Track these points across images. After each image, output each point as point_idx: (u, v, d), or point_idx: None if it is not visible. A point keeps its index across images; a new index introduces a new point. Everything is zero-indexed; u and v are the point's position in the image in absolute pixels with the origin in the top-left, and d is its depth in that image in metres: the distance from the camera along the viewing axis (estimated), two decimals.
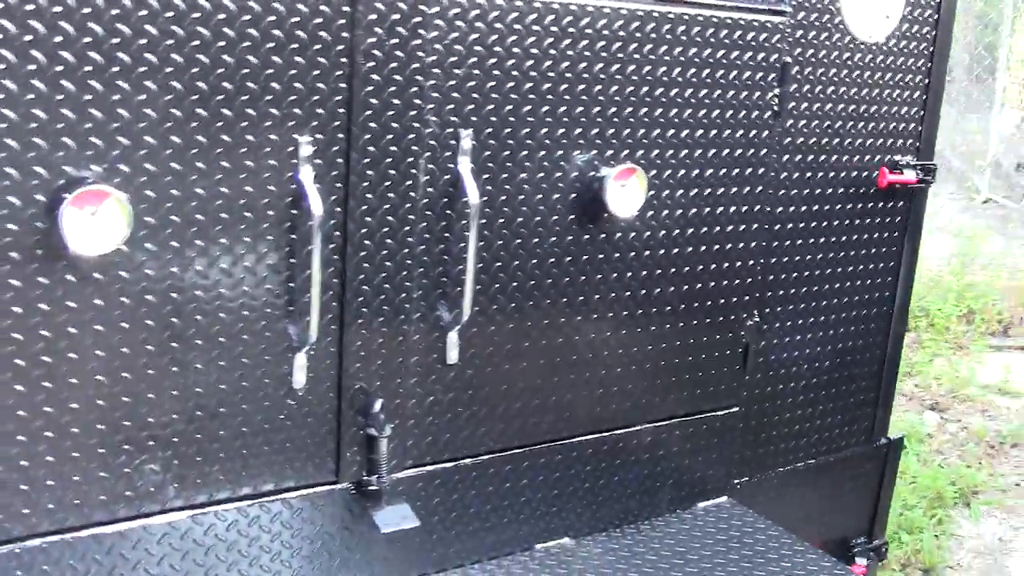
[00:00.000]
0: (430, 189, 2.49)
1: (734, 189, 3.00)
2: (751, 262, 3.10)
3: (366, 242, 2.42)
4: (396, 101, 2.38)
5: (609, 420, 2.96)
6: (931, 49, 3.37)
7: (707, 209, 2.96)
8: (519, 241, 2.65)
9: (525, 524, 2.87)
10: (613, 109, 2.70)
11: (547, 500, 2.89)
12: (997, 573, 4.32)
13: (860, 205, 3.34)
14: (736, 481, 3.29)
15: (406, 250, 2.48)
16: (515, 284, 2.66)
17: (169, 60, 2.08)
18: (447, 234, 2.54)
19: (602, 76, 2.65)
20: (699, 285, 3.01)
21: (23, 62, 1.93)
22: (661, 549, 2.96)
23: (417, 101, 2.41)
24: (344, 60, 2.30)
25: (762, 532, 3.10)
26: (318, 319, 2.32)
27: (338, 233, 2.39)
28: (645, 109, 2.75)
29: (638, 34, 2.68)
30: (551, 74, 2.58)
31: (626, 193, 2.71)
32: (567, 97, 2.62)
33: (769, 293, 3.19)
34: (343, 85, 2.31)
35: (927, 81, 3.39)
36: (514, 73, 2.53)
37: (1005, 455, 5.35)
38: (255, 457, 2.39)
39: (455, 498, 2.73)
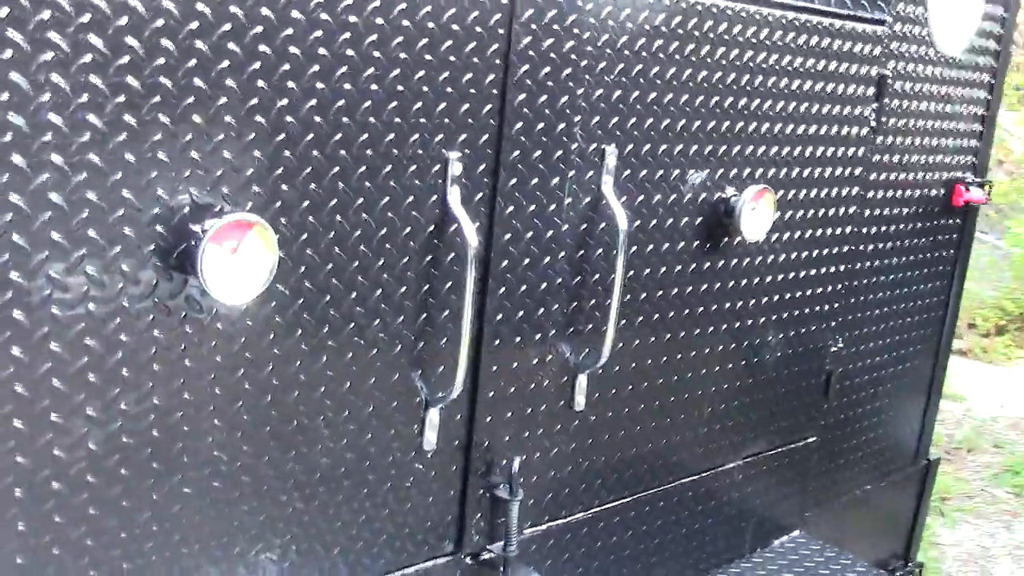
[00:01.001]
0: (572, 213, 2.13)
1: (832, 210, 2.76)
2: (839, 285, 2.87)
3: (508, 276, 2.06)
4: (547, 111, 2.02)
5: (709, 460, 2.69)
6: (994, 65, 3.23)
7: (820, 231, 2.71)
8: (648, 271, 2.33)
9: None
10: (741, 124, 2.41)
11: (648, 550, 2.60)
12: None
13: (931, 223, 3.19)
14: (808, 513, 3.08)
15: (545, 284, 2.12)
16: (641, 318, 2.34)
17: (310, 62, 1.67)
18: (585, 264, 2.20)
19: (733, 86, 2.35)
20: (794, 312, 2.76)
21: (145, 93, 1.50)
22: None
23: (567, 111, 2.05)
24: (498, 62, 1.91)
25: (837, 562, 2.90)
26: (466, 367, 1.93)
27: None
28: (768, 124, 2.48)
29: (768, 41, 2.40)
30: (688, 82, 2.26)
31: (757, 215, 2.43)
32: (702, 110, 2.31)
33: (851, 317, 2.98)
34: (495, 91, 1.93)
35: (989, 97, 3.25)
36: (657, 81, 2.20)
37: (963, 460, 5.39)
38: (376, 534, 1.99)
39: (567, 557, 2.39)
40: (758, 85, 2.41)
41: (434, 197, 1.89)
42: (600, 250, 2.21)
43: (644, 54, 2.16)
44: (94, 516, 1.58)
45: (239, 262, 1.58)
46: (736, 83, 2.36)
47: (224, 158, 1.59)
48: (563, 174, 2.08)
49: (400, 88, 1.78)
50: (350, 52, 1.70)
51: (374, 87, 1.74)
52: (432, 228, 1.90)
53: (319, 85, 1.68)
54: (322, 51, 1.67)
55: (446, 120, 1.87)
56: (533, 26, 1.95)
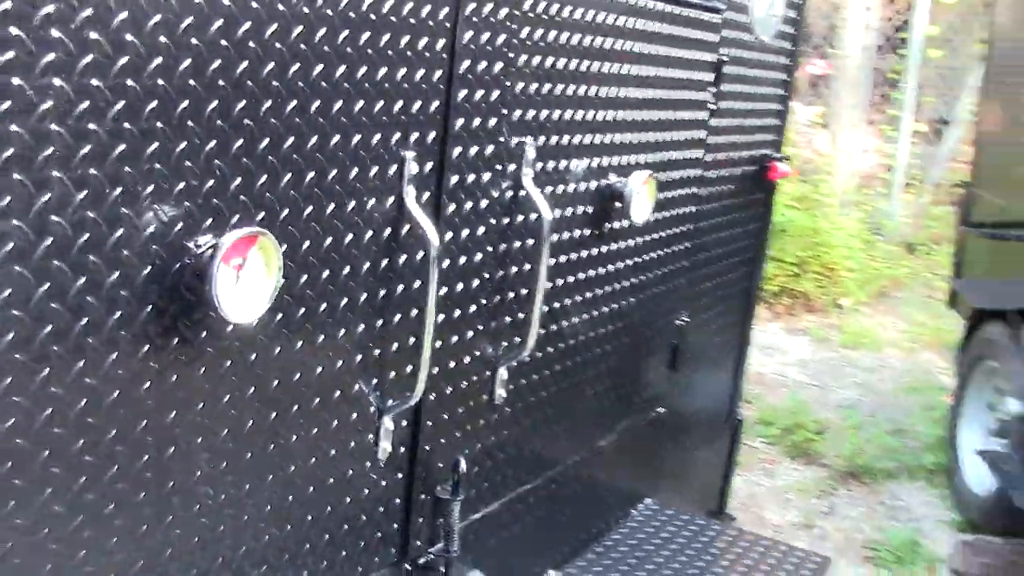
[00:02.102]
0: (497, 208, 2.16)
1: (679, 191, 2.96)
2: (685, 262, 3.09)
3: (450, 275, 2.05)
4: (484, 106, 2.03)
5: (590, 440, 2.82)
6: (793, 48, 3.57)
7: (671, 212, 2.90)
8: (552, 261, 2.40)
9: (524, 564, 2.65)
10: (624, 114, 2.53)
11: (542, 534, 2.69)
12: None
13: (750, 198, 3.48)
14: (657, 480, 3.31)
15: (477, 280, 2.14)
16: (546, 308, 2.42)
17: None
18: (507, 258, 2.23)
19: (610, 75, 2.46)
20: (652, 290, 2.95)
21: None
22: (635, 564, 2.89)
23: (500, 107, 2.07)
24: (445, 56, 1.90)
25: (691, 523, 3.15)
26: (427, 372, 1.92)
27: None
28: (636, 113, 2.61)
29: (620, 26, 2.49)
30: (589, 73, 2.34)
31: (642, 200, 2.57)
32: (600, 98, 2.41)
33: (692, 291, 3.22)
34: (442, 87, 1.92)
35: (788, 80, 3.59)
36: (565, 73, 2.27)
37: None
38: (335, 547, 1.94)
39: (488, 547, 2.44)
40: (623, 74, 2.54)
41: (391, 198, 1.85)
42: (518, 243, 2.25)
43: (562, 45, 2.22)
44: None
45: (246, 278, 1.49)
46: (601, 71, 2.46)
47: (187, 166, 1.47)
48: (494, 170, 2.11)
49: (356, 84, 1.73)
50: (303, 46, 1.62)
51: (325, 84, 1.67)
52: (388, 231, 1.87)
53: (274, 83, 1.58)
54: (278, 45, 1.57)
55: (402, 117, 1.83)
56: (475, 19, 1.95)
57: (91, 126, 1.30)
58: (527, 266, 2.28)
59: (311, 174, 1.66)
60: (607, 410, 2.85)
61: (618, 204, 2.54)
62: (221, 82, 1.47)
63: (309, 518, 1.84)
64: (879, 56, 8.72)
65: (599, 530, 2.98)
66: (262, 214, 1.58)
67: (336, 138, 1.69)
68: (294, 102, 1.60)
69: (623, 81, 2.50)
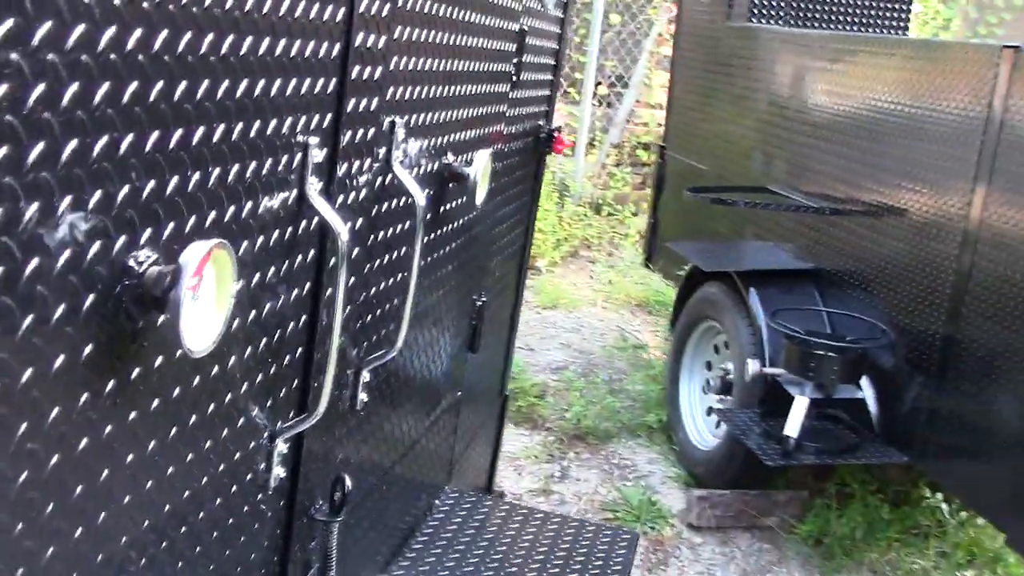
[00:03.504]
0: (367, 194, 2.03)
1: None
2: (484, 239, 3.09)
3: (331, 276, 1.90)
4: (373, 85, 1.89)
5: (410, 432, 2.76)
6: (563, 17, 3.65)
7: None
8: (404, 249, 2.30)
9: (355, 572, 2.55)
10: (455, 88, 2.47)
11: (366, 539, 2.60)
12: None
13: (531, 170, 3.53)
14: (453, 465, 3.30)
15: (351, 278, 2.01)
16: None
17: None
18: (372, 249, 2.11)
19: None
20: (463, 271, 2.92)
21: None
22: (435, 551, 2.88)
23: (378, 84, 1.94)
24: (343, 28, 1.75)
25: (482, 504, 3.20)
26: (333, 382, 1.78)
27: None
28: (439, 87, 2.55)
29: None
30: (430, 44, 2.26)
31: (483, 181, 2.53)
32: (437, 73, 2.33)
33: (486, 268, 3.22)
34: (338, 64, 1.76)
35: (558, 50, 3.67)
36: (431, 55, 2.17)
37: None
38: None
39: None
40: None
41: (291, 192, 1.68)
42: (384, 232, 2.13)
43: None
44: None
45: (203, 300, 1.29)
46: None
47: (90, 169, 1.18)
48: (372, 155, 1.97)
49: (251, 63, 1.53)
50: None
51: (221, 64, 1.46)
52: (288, 229, 1.70)
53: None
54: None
55: (302, 98, 1.66)
56: None
57: None
58: (396, 256, 2.17)
59: (213, 170, 1.43)
60: (426, 400, 2.80)
61: (456, 185, 2.48)
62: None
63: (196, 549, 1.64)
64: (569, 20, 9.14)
65: (412, 526, 2.93)
66: (174, 221, 1.35)
67: (238, 126, 1.47)
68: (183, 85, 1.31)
69: (448, 52, 2.42)
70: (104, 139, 1.15)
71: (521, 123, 3.27)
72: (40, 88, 1.04)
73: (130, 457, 1.35)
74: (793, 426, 4.21)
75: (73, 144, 1.10)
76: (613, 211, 9.50)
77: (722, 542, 4.70)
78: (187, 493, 1.53)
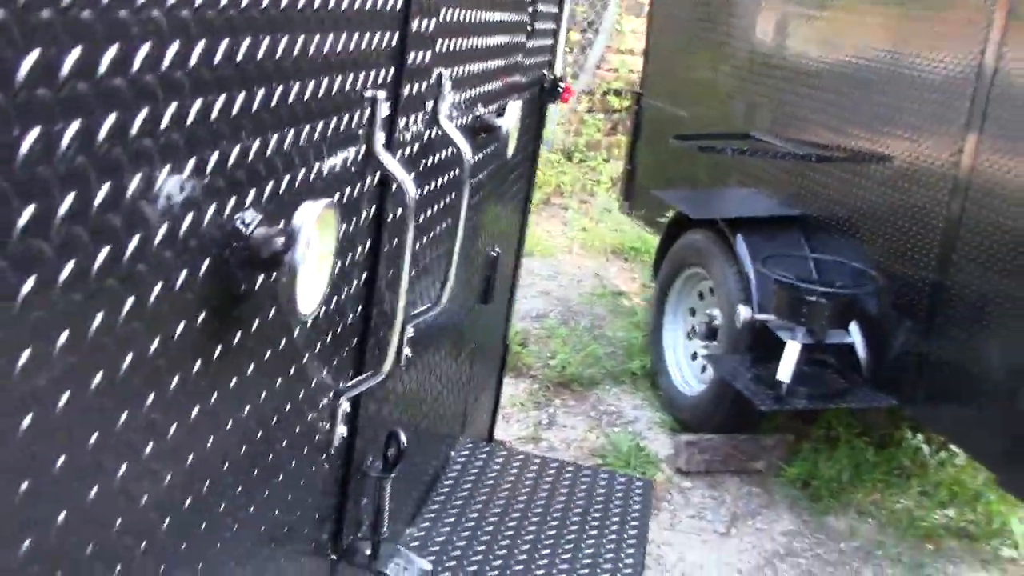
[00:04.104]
0: (422, 150, 2.01)
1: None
2: (500, 190, 3.08)
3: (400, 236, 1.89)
4: (434, 37, 1.86)
5: (449, 385, 2.76)
6: None
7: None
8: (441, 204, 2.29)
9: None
10: (488, 40, 2.44)
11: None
12: None
13: (534, 120, 3.51)
14: (464, 417, 3.32)
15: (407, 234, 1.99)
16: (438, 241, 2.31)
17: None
18: (431, 205, 2.09)
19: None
20: (481, 226, 2.91)
21: None
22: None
23: (432, 38, 1.91)
24: None
25: (494, 454, 3.22)
26: (398, 341, 1.77)
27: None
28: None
29: None
30: None
31: (514, 133, 2.51)
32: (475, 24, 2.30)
33: (501, 218, 3.22)
34: (402, 16, 1.73)
35: (562, 1, 3.63)
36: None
37: None
38: (281, 542, 1.74)
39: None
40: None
41: (360, 148, 1.65)
42: (426, 187, 2.11)
43: None
44: None
45: (310, 262, 1.26)
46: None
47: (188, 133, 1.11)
48: (424, 109, 1.95)
49: (321, 17, 1.49)
50: None
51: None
52: (357, 186, 1.67)
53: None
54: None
55: (369, 52, 1.63)
56: None
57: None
58: (438, 211, 2.15)
59: (290, 130, 1.38)
60: (449, 353, 2.80)
61: (485, 136, 2.46)
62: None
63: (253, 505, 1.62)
64: None
65: (433, 478, 2.95)
66: (272, 182, 1.33)
67: (311, 84, 1.43)
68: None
69: (484, 3, 2.39)
70: (198, 102, 1.10)
71: (532, 73, 3.24)
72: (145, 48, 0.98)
73: (228, 422, 1.34)
74: (785, 371, 4.27)
75: (172, 109, 1.05)
76: (585, 158, 9.48)
77: (711, 486, 4.78)
78: (264, 452, 1.52)
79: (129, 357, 1.05)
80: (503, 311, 3.82)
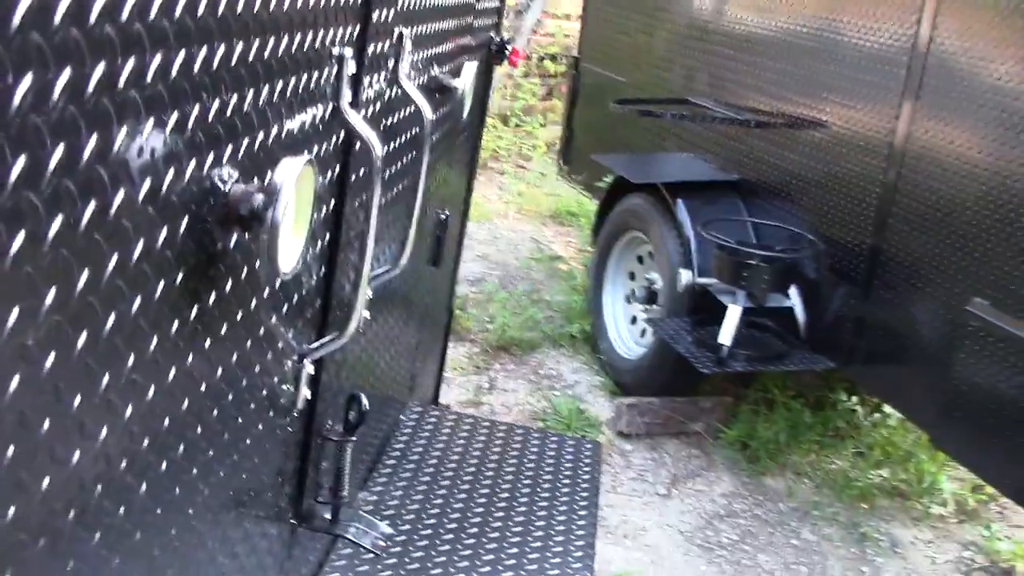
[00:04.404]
0: (382, 110, 1.97)
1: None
2: (449, 152, 3.05)
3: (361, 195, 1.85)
4: None
5: (397, 347, 2.74)
6: None
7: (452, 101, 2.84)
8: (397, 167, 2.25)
9: None
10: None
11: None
12: None
13: (482, 83, 3.48)
14: (411, 381, 3.30)
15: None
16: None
17: None
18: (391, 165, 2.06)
19: None
20: (436, 185, 2.88)
21: None
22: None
23: None
24: None
25: (468, 424, 3.22)
26: (362, 305, 1.74)
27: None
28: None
29: None
30: None
31: (469, 93, 2.48)
32: None
33: (448, 180, 3.19)
34: None
35: None
36: None
37: None
38: (245, 507, 1.71)
39: None
40: None
41: (327, 106, 1.62)
42: (386, 147, 2.08)
43: None
44: None
45: (288, 219, 1.23)
46: None
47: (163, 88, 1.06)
48: (387, 68, 1.91)
49: None
50: None
51: None
52: (320, 146, 1.64)
53: None
54: None
55: (335, 9, 1.59)
56: None
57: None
58: (397, 171, 2.12)
59: (263, 87, 1.35)
60: (400, 316, 2.78)
61: (440, 97, 2.43)
62: None
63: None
64: None
65: (383, 442, 2.93)
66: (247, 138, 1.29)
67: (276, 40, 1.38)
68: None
69: None
70: (181, 55, 1.06)
71: (481, 35, 3.20)
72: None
73: (201, 384, 1.31)
74: (727, 335, 4.33)
75: (139, 61, 1.00)
76: (521, 123, 9.45)
77: (651, 448, 4.83)
78: (230, 415, 1.49)
79: (112, 317, 1.01)
80: (449, 274, 3.80)
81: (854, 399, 5.01)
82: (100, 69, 0.90)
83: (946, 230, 3.72)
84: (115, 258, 0.99)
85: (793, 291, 4.47)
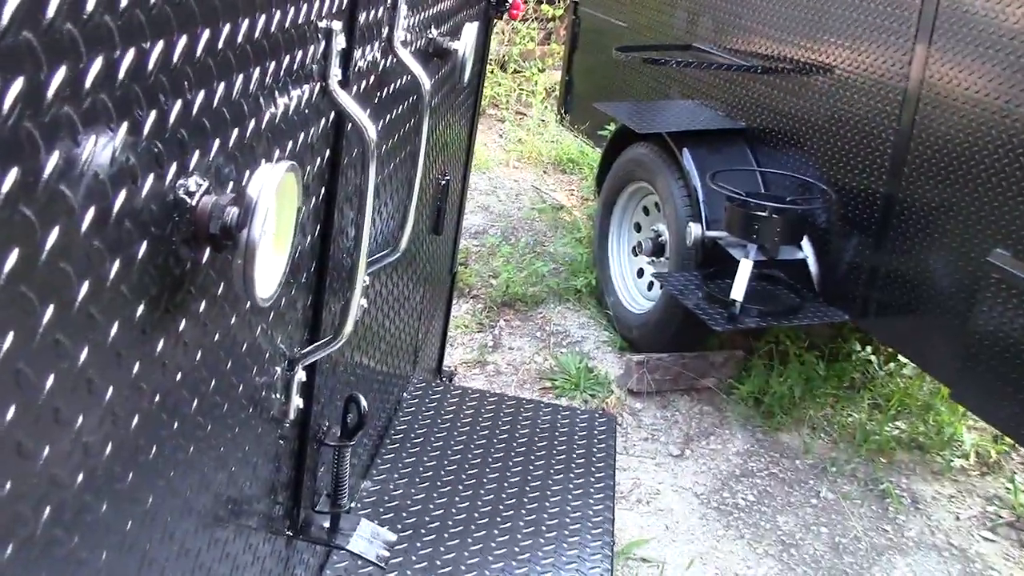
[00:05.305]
0: (376, 82, 1.79)
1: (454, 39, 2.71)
2: (449, 114, 2.87)
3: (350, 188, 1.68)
4: None
5: (402, 321, 2.59)
6: None
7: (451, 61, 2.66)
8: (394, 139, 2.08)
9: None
10: None
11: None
12: None
13: (481, 40, 3.29)
14: (414, 352, 3.15)
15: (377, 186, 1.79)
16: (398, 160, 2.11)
17: None
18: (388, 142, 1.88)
19: None
20: (438, 151, 2.71)
21: None
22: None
23: None
24: None
25: (474, 398, 3.08)
26: (357, 304, 1.58)
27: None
28: None
29: None
30: None
31: (469, 57, 2.30)
32: None
33: (449, 143, 3.01)
34: None
35: None
36: None
37: None
38: (239, 516, 1.57)
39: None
40: None
41: (314, 86, 1.44)
42: (381, 121, 1.90)
43: None
44: None
45: (268, 235, 1.07)
46: None
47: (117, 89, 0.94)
48: (380, 37, 1.73)
49: None
50: None
51: None
52: (312, 129, 1.46)
53: None
54: None
55: None
56: None
57: None
58: (393, 145, 1.95)
59: (239, 75, 1.18)
60: (401, 291, 2.62)
61: (438, 61, 2.25)
62: None
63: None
64: None
65: (385, 425, 2.79)
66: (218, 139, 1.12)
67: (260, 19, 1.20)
68: None
69: None
70: (131, 51, 0.89)
71: None
72: None
73: (188, 397, 1.16)
74: (739, 290, 4.17)
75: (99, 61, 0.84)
76: (519, 68, 9.20)
77: (662, 406, 4.70)
78: (216, 424, 1.34)
79: (84, 348, 0.86)
80: (451, 237, 3.63)
81: (868, 349, 4.87)
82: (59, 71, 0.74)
83: (965, 178, 3.55)
84: (85, 286, 0.83)
85: (805, 243, 4.30)
